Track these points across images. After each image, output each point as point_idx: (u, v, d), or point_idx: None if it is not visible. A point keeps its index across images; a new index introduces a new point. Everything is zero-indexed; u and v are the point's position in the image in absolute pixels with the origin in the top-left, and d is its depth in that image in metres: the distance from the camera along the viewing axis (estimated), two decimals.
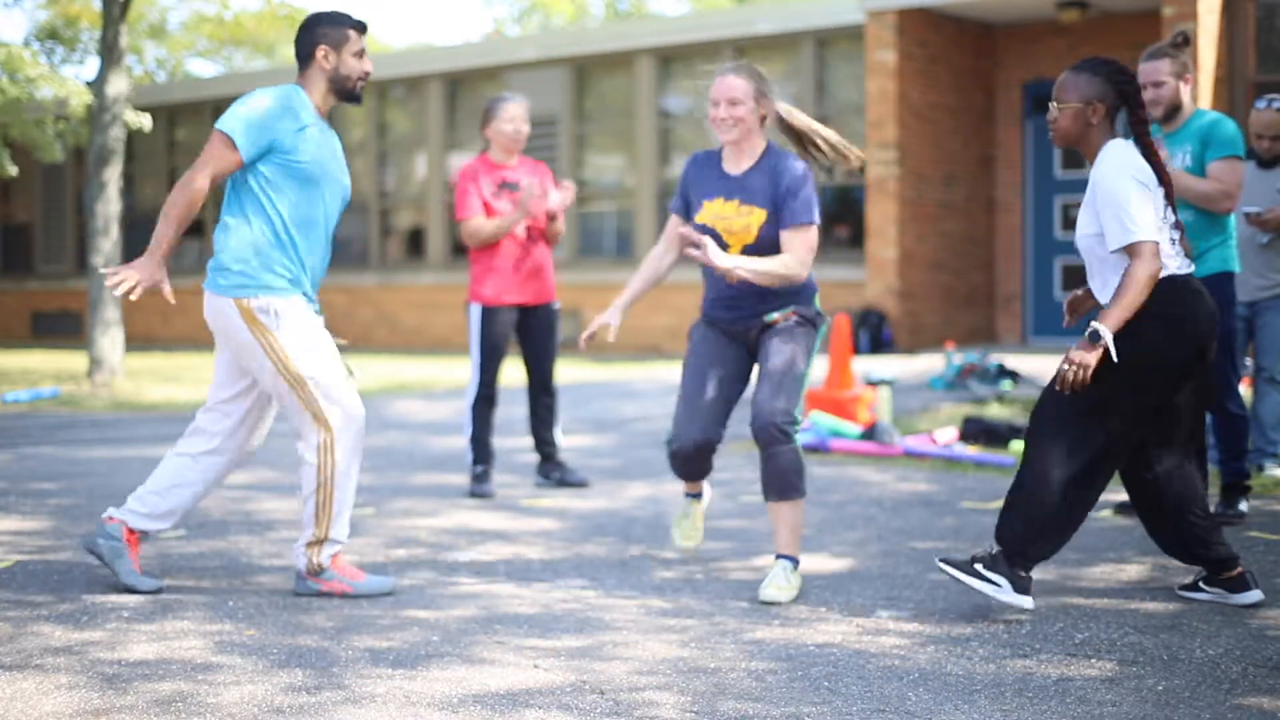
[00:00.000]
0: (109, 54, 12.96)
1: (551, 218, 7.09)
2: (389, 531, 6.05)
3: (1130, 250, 4.27)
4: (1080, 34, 15.13)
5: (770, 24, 16.08)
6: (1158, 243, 4.28)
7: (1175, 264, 4.38)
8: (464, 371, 14.20)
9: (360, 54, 4.83)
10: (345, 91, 4.85)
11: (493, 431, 7.16)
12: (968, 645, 4.12)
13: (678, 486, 7.19)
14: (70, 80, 14.51)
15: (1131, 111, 4.44)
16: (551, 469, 7.29)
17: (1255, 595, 4.52)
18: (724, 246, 4.97)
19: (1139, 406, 4.35)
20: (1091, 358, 4.24)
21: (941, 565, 4.44)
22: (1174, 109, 5.94)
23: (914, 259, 14.96)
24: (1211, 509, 6.03)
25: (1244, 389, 8.04)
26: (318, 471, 4.79)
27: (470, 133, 18.54)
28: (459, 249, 18.69)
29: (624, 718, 3.50)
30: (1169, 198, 4.43)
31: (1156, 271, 4.26)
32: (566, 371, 13.00)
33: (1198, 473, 4.60)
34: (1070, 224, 15.43)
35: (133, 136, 15.61)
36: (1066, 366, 4.27)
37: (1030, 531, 4.38)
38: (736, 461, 8.14)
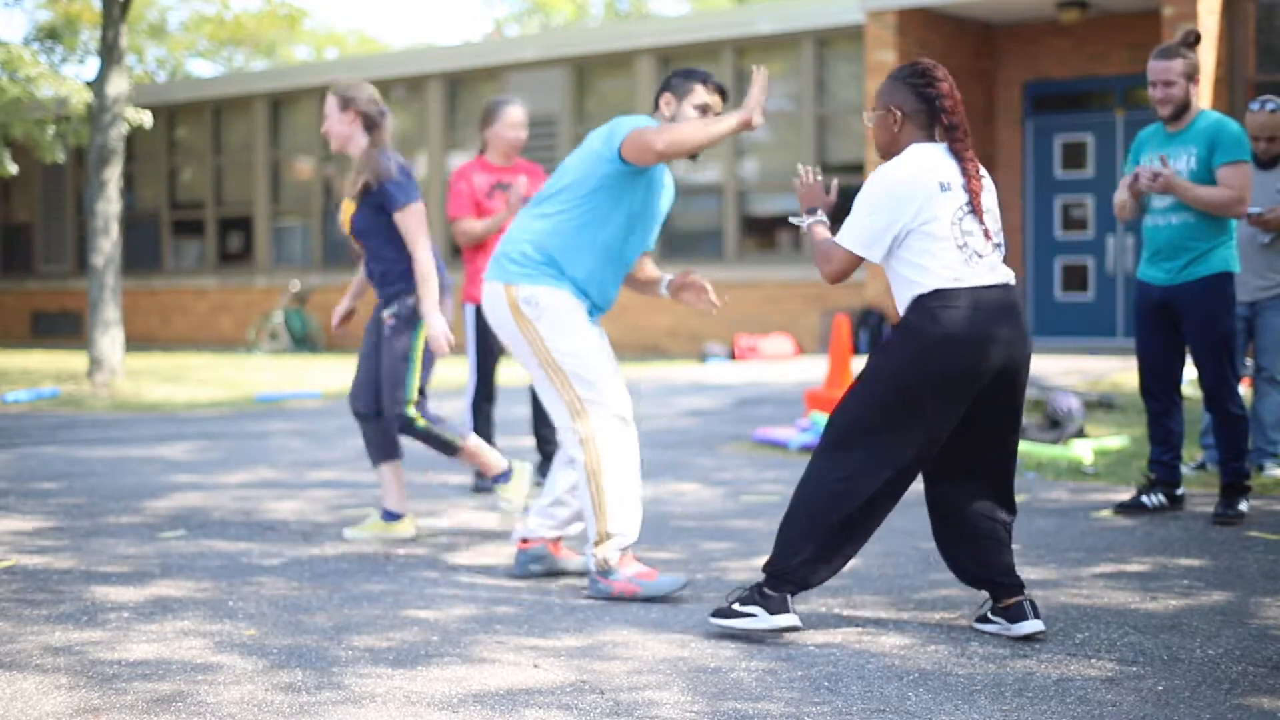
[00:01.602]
0: (109, 54, 12.96)
1: None
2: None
3: None
4: (1080, 34, 15.14)
5: (770, 24, 16.09)
6: (856, 256, 4.10)
7: (970, 273, 4.06)
8: (463, 370, 14.21)
9: (703, 108, 4.93)
10: None
11: (494, 428, 7.19)
12: (968, 645, 4.12)
13: (678, 486, 7.21)
14: (70, 79, 14.52)
15: (936, 118, 4.16)
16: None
17: (1033, 625, 4.14)
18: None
19: (918, 425, 4.07)
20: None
21: (715, 623, 4.22)
22: (1182, 109, 5.93)
23: None
24: (1212, 510, 6.06)
25: (1244, 389, 8.04)
26: (584, 466, 4.80)
27: (470, 133, 18.54)
28: (458, 249, 18.71)
29: (624, 718, 3.50)
30: (975, 204, 4.08)
31: (832, 274, 4.16)
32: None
33: (999, 505, 4.26)
34: (1071, 224, 15.46)
35: (133, 136, 15.62)
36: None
37: (818, 552, 4.16)
38: (737, 461, 8.14)
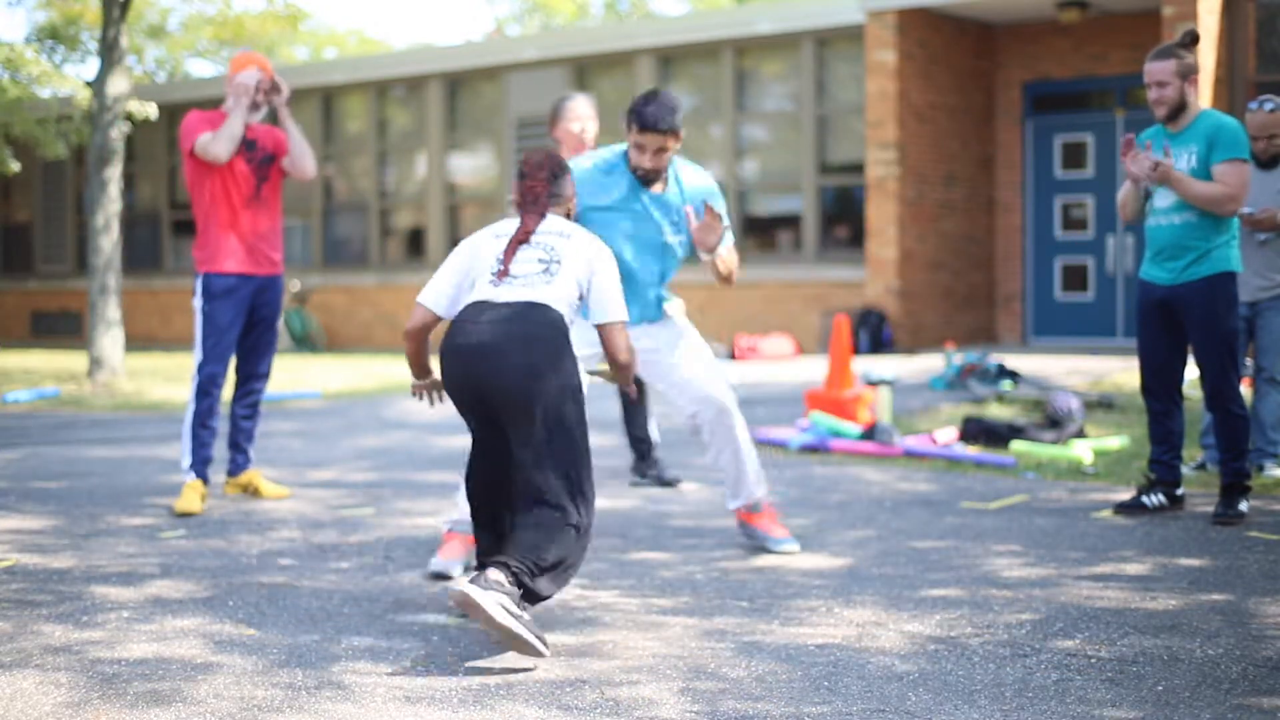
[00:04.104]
0: (109, 54, 12.97)
1: None
2: (389, 531, 6.05)
3: None
4: (1080, 34, 15.14)
5: (770, 24, 16.08)
6: (421, 306, 4.53)
7: (483, 293, 4.36)
8: None
9: (638, 147, 5.20)
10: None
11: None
12: (968, 645, 4.12)
13: (678, 486, 7.20)
14: (72, 78, 14.53)
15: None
16: (647, 467, 7.31)
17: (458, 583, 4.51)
18: None
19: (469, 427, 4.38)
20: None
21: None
22: (1178, 109, 5.93)
23: (914, 259, 14.96)
24: (1212, 510, 6.07)
25: (1244, 389, 8.03)
26: (737, 432, 5.65)
27: (470, 133, 18.53)
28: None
29: (623, 717, 3.50)
30: (512, 246, 4.39)
31: (408, 330, 4.55)
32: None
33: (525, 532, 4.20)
34: (1071, 224, 15.46)
35: (133, 136, 15.64)
36: None
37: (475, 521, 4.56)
38: None
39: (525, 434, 4.18)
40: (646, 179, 5.29)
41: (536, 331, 4.21)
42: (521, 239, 4.40)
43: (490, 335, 4.19)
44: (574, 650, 4.12)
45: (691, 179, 5.45)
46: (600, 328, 4.45)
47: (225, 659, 4.02)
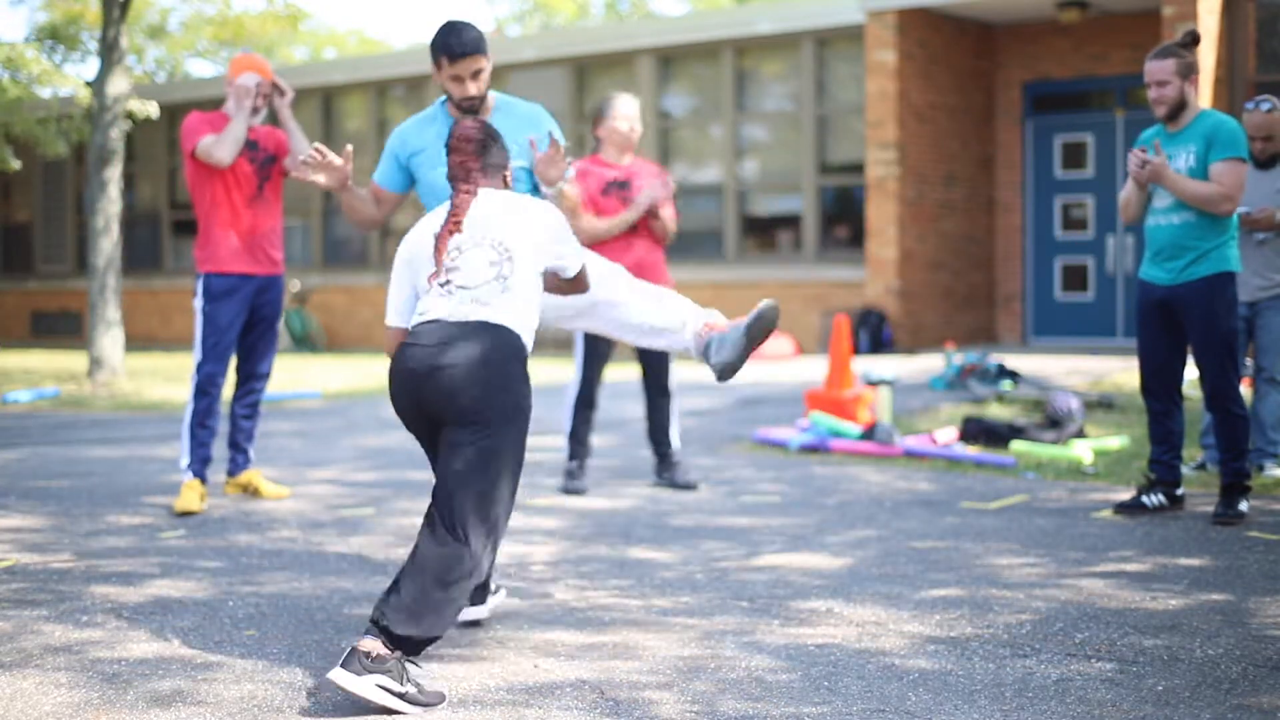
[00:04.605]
0: (109, 54, 12.97)
1: (653, 215, 7.15)
2: (389, 530, 6.05)
3: None
4: (1080, 34, 15.14)
5: (770, 24, 16.08)
6: (391, 328, 4.20)
7: (437, 308, 4.06)
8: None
9: (456, 80, 4.86)
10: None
11: (591, 430, 7.27)
12: (968, 645, 4.12)
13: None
14: (73, 77, 14.53)
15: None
16: (664, 469, 7.31)
17: (478, 611, 4.39)
18: None
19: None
20: None
21: None
22: (1178, 108, 5.93)
23: (914, 259, 14.96)
24: (1212, 510, 6.07)
25: (1244, 389, 8.04)
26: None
27: None
28: None
29: (624, 717, 3.50)
30: (443, 238, 4.11)
31: (391, 354, 4.13)
32: (566, 371, 12.97)
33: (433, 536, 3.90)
34: (1071, 224, 15.45)
35: (133, 136, 15.64)
36: None
37: None
38: (737, 461, 8.14)
39: (458, 455, 3.89)
40: (472, 110, 4.97)
41: (488, 355, 3.93)
42: (452, 229, 4.11)
43: (440, 359, 3.92)
44: (574, 650, 4.12)
45: (523, 109, 5.07)
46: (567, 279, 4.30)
47: (225, 659, 4.02)
